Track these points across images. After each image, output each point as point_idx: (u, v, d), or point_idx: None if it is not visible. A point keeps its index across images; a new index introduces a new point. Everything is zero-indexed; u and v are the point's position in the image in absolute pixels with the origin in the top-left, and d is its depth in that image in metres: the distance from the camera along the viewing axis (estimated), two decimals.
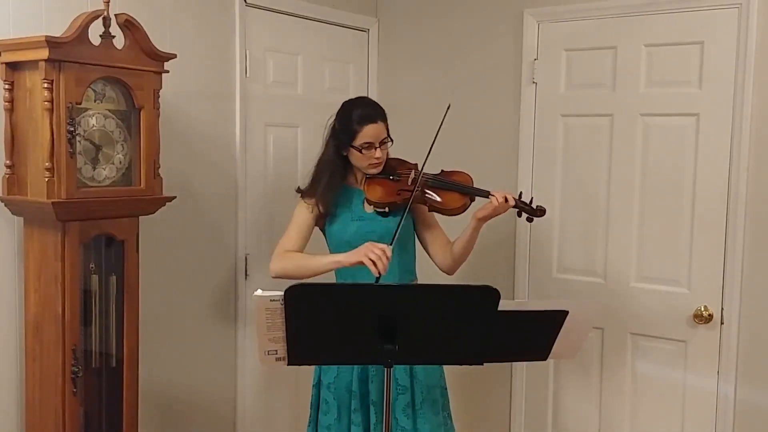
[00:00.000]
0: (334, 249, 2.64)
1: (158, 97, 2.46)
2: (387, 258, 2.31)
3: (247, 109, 3.23)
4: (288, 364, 2.02)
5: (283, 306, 1.90)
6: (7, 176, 2.33)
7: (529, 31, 3.41)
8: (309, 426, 2.69)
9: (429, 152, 2.53)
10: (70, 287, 2.30)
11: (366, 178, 2.63)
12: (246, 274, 3.28)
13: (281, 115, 3.42)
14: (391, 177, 2.61)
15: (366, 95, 2.70)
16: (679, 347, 3.13)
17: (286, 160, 3.46)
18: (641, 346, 3.23)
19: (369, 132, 2.54)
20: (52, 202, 2.19)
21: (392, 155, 2.71)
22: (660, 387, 3.18)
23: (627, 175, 3.21)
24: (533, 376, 3.51)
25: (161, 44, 2.48)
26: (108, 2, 2.32)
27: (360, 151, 2.56)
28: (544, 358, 2.15)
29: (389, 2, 3.84)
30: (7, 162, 2.33)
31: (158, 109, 2.47)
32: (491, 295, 1.93)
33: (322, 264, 2.50)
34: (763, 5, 2.87)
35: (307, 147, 3.54)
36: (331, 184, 2.61)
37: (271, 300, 1.90)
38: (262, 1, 3.25)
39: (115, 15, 2.34)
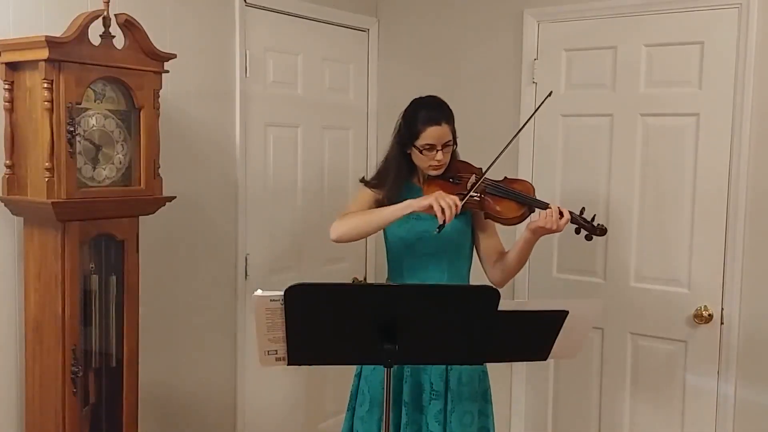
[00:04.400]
0: (389, 243, 2.65)
1: (158, 97, 2.46)
2: (456, 209, 2.32)
3: (247, 109, 3.23)
4: (288, 364, 2.02)
5: (283, 306, 1.89)
6: (7, 176, 2.33)
7: (529, 31, 3.41)
8: (347, 412, 2.69)
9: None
10: (70, 287, 2.30)
11: (427, 177, 2.60)
12: (246, 274, 3.28)
13: (281, 115, 3.42)
14: (451, 179, 2.56)
15: (434, 95, 2.65)
16: (679, 347, 3.13)
17: (286, 160, 3.46)
18: (641, 346, 3.23)
19: (431, 134, 2.50)
20: (52, 202, 2.19)
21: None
22: (660, 387, 3.19)
23: (627, 175, 3.21)
24: (533, 376, 3.51)
25: (161, 44, 2.48)
26: (108, 2, 2.32)
27: (421, 152, 2.52)
28: (544, 358, 2.14)
29: (389, 2, 3.84)
30: (7, 162, 2.33)
31: (158, 109, 2.47)
32: (491, 295, 1.92)
33: (392, 211, 2.45)
34: (763, 5, 2.87)
35: (307, 147, 3.55)
36: (398, 181, 2.60)
37: (271, 300, 1.89)
38: (262, 1, 3.25)
39: (115, 15, 2.34)
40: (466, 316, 1.99)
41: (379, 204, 2.59)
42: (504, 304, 1.94)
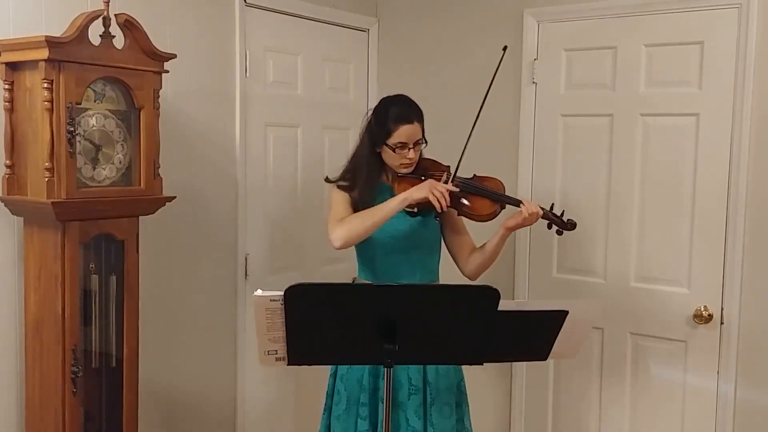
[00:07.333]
0: (361, 243, 2.62)
1: (158, 97, 2.46)
2: (449, 197, 2.41)
3: (247, 109, 3.23)
4: (288, 364, 2.02)
5: (283, 306, 1.90)
6: (7, 176, 2.33)
7: (529, 31, 3.41)
8: (324, 413, 2.70)
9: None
10: (70, 287, 2.30)
11: (397, 176, 2.61)
12: (246, 274, 3.28)
13: (281, 115, 3.42)
14: (422, 177, 2.57)
15: (403, 93, 2.65)
16: (679, 347, 3.13)
17: (286, 160, 3.46)
18: (641, 346, 3.23)
19: (404, 132, 2.53)
20: (52, 202, 2.19)
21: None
22: (660, 387, 3.18)
23: (627, 175, 3.21)
24: (533, 376, 3.51)
25: (161, 44, 2.48)
26: (108, 2, 2.32)
27: (393, 150, 2.54)
28: (544, 358, 2.15)
29: (389, 2, 3.84)
30: (7, 162, 2.33)
31: (158, 109, 2.47)
32: (491, 295, 1.93)
33: (392, 207, 2.45)
34: (763, 5, 2.87)
35: (307, 147, 3.55)
36: (369, 182, 2.60)
37: (271, 300, 1.90)
38: (262, 1, 3.25)
39: (115, 15, 2.34)
40: (466, 316, 1.99)
41: (354, 206, 2.58)
42: (504, 304, 1.94)
